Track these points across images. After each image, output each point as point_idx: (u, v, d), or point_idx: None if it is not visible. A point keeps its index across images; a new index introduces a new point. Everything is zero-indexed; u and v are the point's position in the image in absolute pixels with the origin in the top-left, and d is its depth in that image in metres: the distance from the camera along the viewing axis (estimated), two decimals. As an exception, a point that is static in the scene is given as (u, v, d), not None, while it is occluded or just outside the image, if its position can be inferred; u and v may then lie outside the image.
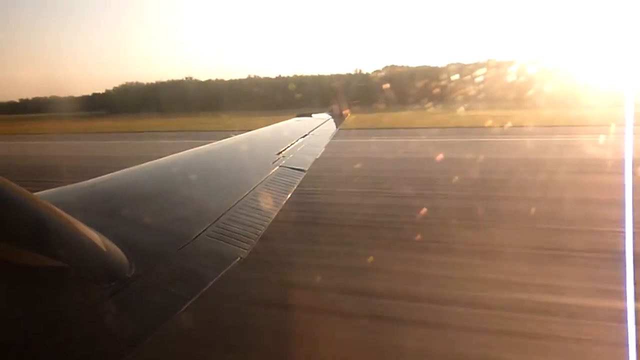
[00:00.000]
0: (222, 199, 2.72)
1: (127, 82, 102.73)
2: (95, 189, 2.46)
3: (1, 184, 1.34)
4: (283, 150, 4.51)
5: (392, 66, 74.19)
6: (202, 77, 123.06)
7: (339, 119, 8.86)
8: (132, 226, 2.05)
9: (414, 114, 38.62)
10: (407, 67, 74.11)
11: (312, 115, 8.16)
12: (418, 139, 24.08)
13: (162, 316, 1.46)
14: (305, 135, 5.88)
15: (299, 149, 4.91)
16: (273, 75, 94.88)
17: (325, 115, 8.55)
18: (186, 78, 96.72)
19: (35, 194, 1.64)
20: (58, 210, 1.54)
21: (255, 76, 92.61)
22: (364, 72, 74.70)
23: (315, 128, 6.70)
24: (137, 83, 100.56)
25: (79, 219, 1.61)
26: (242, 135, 5.31)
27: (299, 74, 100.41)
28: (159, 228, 2.18)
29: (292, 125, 7.02)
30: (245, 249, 2.12)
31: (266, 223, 2.53)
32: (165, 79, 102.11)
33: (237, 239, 2.20)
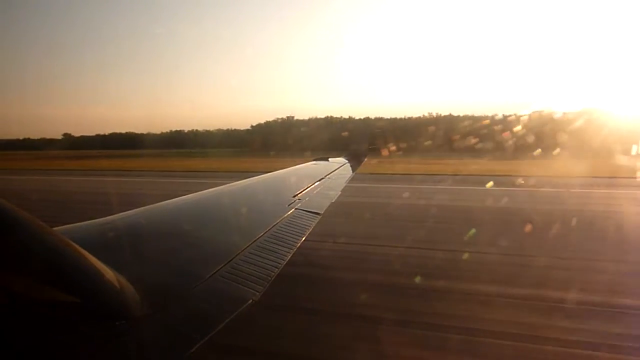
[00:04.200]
0: (237, 240, 2.72)
1: (277, 118, 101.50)
2: (112, 226, 2.50)
3: (20, 218, 1.37)
4: (299, 193, 4.53)
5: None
6: (359, 114, 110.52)
7: (356, 163, 8.95)
8: (146, 264, 2.06)
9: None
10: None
11: (329, 159, 8.29)
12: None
13: (171, 356, 1.43)
14: (322, 178, 5.93)
15: (315, 192, 4.93)
16: (446, 113, 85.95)
17: (342, 160, 8.67)
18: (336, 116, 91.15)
19: (54, 228, 1.67)
20: (74, 245, 1.56)
21: (437, 114, 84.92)
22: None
23: (332, 172, 6.76)
24: (288, 118, 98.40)
25: (95, 255, 1.62)
26: (259, 177, 5.39)
27: (477, 113, 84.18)
28: (172, 267, 2.17)
29: (308, 169, 7.12)
30: (257, 291, 2.09)
31: (280, 265, 2.50)
32: (322, 115, 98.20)
33: (250, 281, 2.17)
